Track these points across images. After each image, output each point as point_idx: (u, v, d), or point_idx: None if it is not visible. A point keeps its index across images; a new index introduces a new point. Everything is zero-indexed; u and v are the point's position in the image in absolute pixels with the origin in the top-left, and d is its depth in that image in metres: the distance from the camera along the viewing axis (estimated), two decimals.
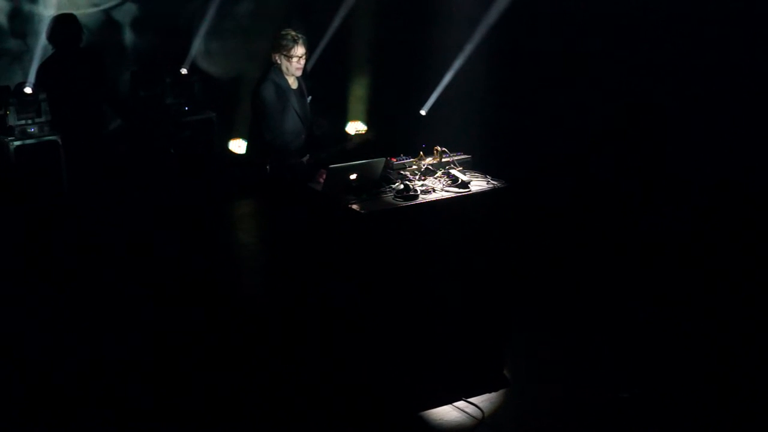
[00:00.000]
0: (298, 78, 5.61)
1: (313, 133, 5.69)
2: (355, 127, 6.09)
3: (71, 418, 4.50)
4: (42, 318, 5.64)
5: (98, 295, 5.96)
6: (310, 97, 5.75)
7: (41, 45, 7.83)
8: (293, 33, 5.47)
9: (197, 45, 8.88)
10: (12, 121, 7.38)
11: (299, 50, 5.45)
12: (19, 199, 7.37)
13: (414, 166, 5.14)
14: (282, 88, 5.49)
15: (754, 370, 4.89)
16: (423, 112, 7.72)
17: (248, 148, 6.40)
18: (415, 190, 4.76)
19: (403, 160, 5.18)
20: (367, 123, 6.57)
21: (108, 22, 8.62)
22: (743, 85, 6.76)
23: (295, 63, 5.47)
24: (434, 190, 4.83)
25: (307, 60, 5.57)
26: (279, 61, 5.49)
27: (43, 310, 5.76)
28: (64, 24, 6.68)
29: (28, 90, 7.42)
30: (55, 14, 7.37)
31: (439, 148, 5.20)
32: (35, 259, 6.58)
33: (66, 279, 6.23)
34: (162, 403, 4.64)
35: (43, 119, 7.48)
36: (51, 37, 6.61)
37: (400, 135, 6.15)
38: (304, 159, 5.58)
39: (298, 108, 5.56)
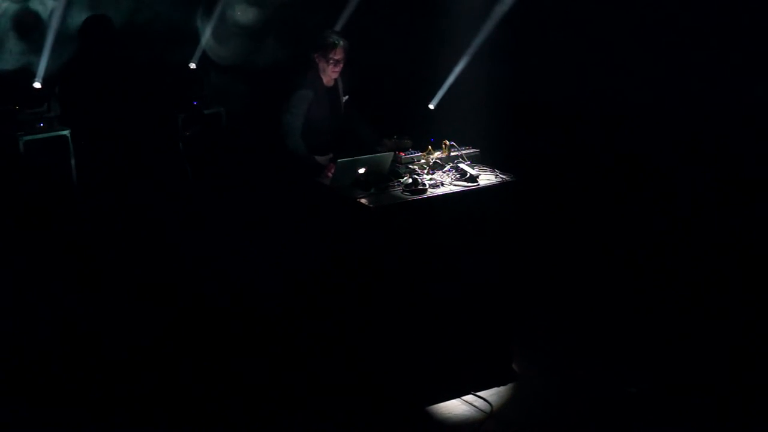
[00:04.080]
0: (336, 77, 5.60)
1: (358, 134, 5.68)
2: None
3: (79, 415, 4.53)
4: (46, 313, 5.66)
5: (104, 290, 5.98)
6: (347, 97, 5.74)
7: (51, 41, 7.86)
8: (335, 36, 5.45)
9: (206, 39, 8.89)
10: (21, 115, 7.40)
11: (338, 54, 5.43)
12: (27, 193, 7.40)
13: (422, 160, 5.14)
14: (316, 87, 5.48)
15: (759, 366, 4.88)
16: (431, 106, 7.71)
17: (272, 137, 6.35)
18: (424, 184, 4.76)
19: (411, 154, 5.19)
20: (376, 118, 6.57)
21: (114, 14, 8.62)
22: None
23: (332, 66, 5.46)
24: (443, 184, 4.82)
25: (345, 64, 5.55)
26: (317, 61, 5.49)
27: (49, 305, 5.78)
28: (94, 25, 6.69)
29: (37, 85, 7.45)
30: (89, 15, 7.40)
31: (447, 142, 5.20)
32: (42, 253, 6.61)
33: (73, 274, 6.25)
34: (165, 400, 4.65)
35: (52, 114, 7.51)
36: (81, 37, 6.63)
37: (409, 129, 6.13)
38: (327, 157, 5.57)
39: (328, 107, 5.55)
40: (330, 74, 5.50)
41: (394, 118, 7.36)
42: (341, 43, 5.43)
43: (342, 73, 5.58)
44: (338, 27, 8.53)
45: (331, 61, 5.44)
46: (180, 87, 8.47)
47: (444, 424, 4.43)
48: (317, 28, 5.68)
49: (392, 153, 5.00)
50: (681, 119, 7.29)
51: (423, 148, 5.21)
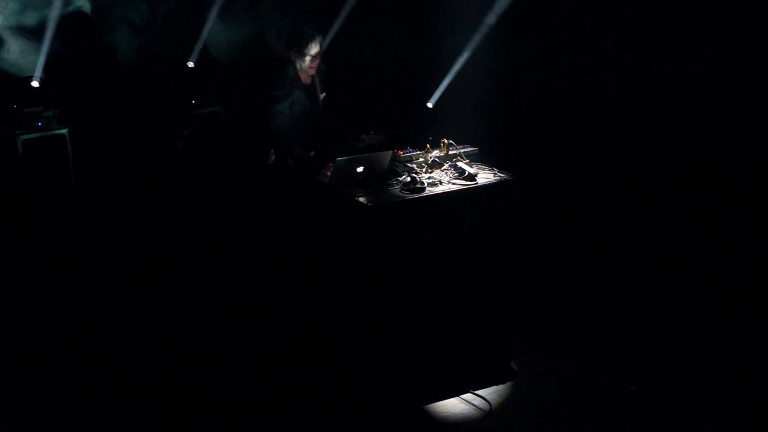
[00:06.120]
0: (313, 74, 5.57)
1: (324, 131, 5.67)
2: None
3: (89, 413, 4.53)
4: (46, 312, 5.66)
5: (101, 289, 5.97)
6: (324, 94, 5.72)
7: (48, 40, 7.85)
8: (309, 32, 5.43)
9: (204, 38, 8.89)
10: (19, 114, 7.40)
11: (313, 49, 5.41)
12: (26, 191, 7.40)
13: (421, 159, 5.13)
14: (293, 84, 5.46)
15: (757, 364, 4.88)
16: (430, 105, 7.71)
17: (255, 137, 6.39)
18: (422, 183, 4.76)
19: (410, 152, 5.18)
20: (374, 117, 6.57)
21: (112, 13, 8.63)
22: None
23: (308, 61, 5.43)
24: (441, 183, 4.82)
25: (321, 59, 5.53)
26: (293, 58, 5.47)
27: (47, 304, 5.78)
28: (74, 22, 6.74)
29: (35, 84, 7.45)
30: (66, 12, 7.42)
31: (445, 141, 5.20)
32: (40, 251, 6.61)
33: (70, 272, 6.25)
34: (164, 400, 4.65)
35: (50, 113, 7.51)
36: (61, 34, 6.66)
37: (407, 128, 6.14)
38: (311, 154, 5.57)
39: (307, 105, 5.53)
40: (308, 70, 5.48)
41: (392, 116, 7.37)
42: (316, 38, 5.42)
43: (319, 70, 5.57)
44: (337, 25, 8.53)
45: (308, 57, 5.42)
46: (178, 85, 8.48)
47: (443, 423, 4.42)
48: (293, 27, 5.68)
49: (390, 151, 4.99)
50: (681, 117, 7.31)
51: (421, 147, 5.21)
